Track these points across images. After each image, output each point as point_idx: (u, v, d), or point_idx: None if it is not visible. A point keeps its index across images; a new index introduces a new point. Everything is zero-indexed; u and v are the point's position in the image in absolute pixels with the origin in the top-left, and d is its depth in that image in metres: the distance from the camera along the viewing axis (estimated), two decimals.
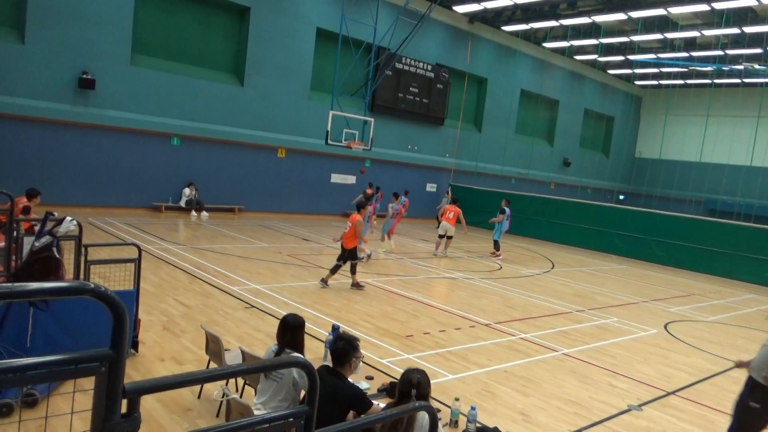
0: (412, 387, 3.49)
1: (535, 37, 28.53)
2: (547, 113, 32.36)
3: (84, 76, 15.90)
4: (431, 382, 3.72)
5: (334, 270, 10.28)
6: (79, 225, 6.38)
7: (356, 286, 10.38)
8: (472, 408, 4.23)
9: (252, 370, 3.75)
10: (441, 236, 15.83)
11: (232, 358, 5.13)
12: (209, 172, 18.98)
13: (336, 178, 22.36)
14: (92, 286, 1.41)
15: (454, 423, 4.30)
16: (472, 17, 25.56)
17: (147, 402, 4.85)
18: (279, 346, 4.21)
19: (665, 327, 10.40)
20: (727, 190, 33.17)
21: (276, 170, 20.60)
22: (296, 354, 4.08)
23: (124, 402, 1.52)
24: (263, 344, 6.59)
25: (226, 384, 4.99)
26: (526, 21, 25.49)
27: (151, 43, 17.81)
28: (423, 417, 3.36)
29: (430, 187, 26.04)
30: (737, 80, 31.17)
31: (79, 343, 4.92)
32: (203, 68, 18.89)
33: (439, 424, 3.34)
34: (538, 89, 30.35)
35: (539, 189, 29.56)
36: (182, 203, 18.17)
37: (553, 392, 6.36)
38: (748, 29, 22.59)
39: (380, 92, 22.44)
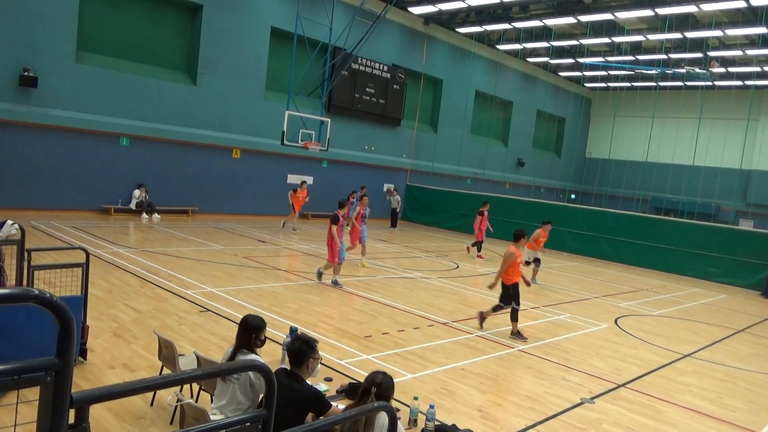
0: (373, 385, 3.51)
1: (489, 40, 29.02)
2: (501, 114, 32.97)
3: (25, 73, 15.21)
4: (393, 379, 3.74)
5: (496, 309, 8.83)
6: (22, 229, 6.12)
7: (517, 335, 8.56)
8: (431, 406, 4.27)
9: (207, 375, 3.66)
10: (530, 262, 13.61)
11: (187, 364, 5.01)
12: (161, 173, 18.48)
13: (293, 178, 22.14)
14: (36, 292, 1.35)
15: (413, 422, 4.33)
16: (427, 19, 25.79)
17: (96, 411, 4.68)
18: (235, 346, 4.14)
19: (615, 322, 10.75)
20: (672, 188, 34.60)
21: (231, 171, 20.25)
22: (252, 356, 4.01)
23: (72, 412, 1.46)
24: (219, 348, 6.46)
25: (181, 390, 4.87)
26: (480, 23, 25.90)
27: (98, 40, 17.20)
28: (383, 417, 3.37)
29: (388, 187, 26.12)
30: (680, 83, 32.55)
31: (23, 353, 4.70)
32: (154, 66, 18.38)
33: (399, 424, 3.36)
34: (493, 90, 30.89)
35: (494, 189, 30.09)
36: (132, 205, 17.63)
37: (509, 388, 6.48)
38: (690, 34, 23.61)
39: (337, 92, 22.37)
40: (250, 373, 3.87)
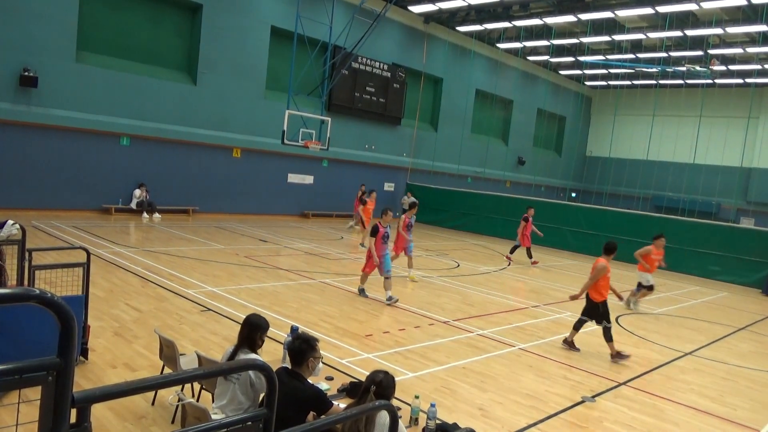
0: (373, 384, 3.52)
1: (489, 38, 29.00)
2: (501, 113, 32.95)
3: (25, 73, 15.22)
4: (395, 378, 3.76)
5: (577, 327, 8.31)
6: (22, 228, 6.12)
7: (618, 355, 7.90)
8: (432, 405, 4.27)
9: (208, 374, 3.67)
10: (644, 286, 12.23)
11: (188, 363, 5.02)
12: (161, 173, 18.48)
13: (293, 178, 22.16)
14: (37, 291, 1.35)
15: (414, 421, 4.33)
16: (427, 17, 25.77)
17: (98, 411, 4.69)
18: (236, 345, 4.15)
19: (616, 320, 10.74)
20: (673, 186, 34.58)
21: (231, 170, 20.25)
22: (253, 355, 4.02)
23: (74, 412, 1.46)
24: (220, 348, 6.46)
25: (182, 389, 4.88)
26: (480, 22, 25.88)
27: (98, 40, 17.20)
28: (384, 416, 3.38)
29: (388, 187, 26.13)
30: (680, 81, 32.51)
31: (24, 353, 4.70)
32: (154, 66, 18.38)
33: (400, 422, 3.36)
34: (493, 89, 30.87)
35: (495, 187, 30.07)
36: (133, 205, 17.64)
37: (510, 387, 6.48)
38: (690, 32, 23.58)
39: (337, 92, 22.37)
40: (251, 373, 3.87)
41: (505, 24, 25.75)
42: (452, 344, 7.91)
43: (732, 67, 28.04)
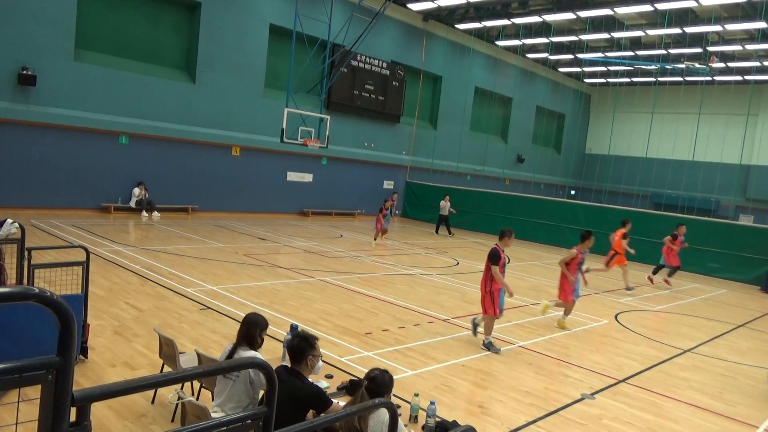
0: (366, 379, 3.57)
1: (488, 36, 28.98)
2: (500, 110, 32.93)
3: (24, 72, 15.19)
4: (393, 377, 3.77)
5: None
6: (21, 227, 6.11)
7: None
8: (432, 403, 4.27)
9: (208, 372, 3.67)
10: None
11: (188, 362, 5.02)
12: (160, 172, 18.47)
13: (292, 176, 22.15)
14: (36, 290, 1.35)
15: (414, 418, 4.33)
16: (426, 15, 25.74)
17: (98, 409, 4.69)
18: (235, 343, 4.15)
19: (616, 317, 10.76)
20: (672, 184, 34.59)
21: (230, 169, 20.24)
22: (252, 353, 4.02)
23: (73, 410, 1.46)
24: (220, 346, 6.47)
25: (182, 388, 4.88)
26: (479, 19, 25.86)
27: (96, 38, 17.18)
28: (383, 413, 3.38)
29: (388, 184, 26.12)
30: (679, 78, 32.50)
31: (24, 352, 4.70)
32: (152, 64, 18.35)
33: (400, 420, 3.37)
34: (492, 87, 30.86)
35: (494, 185, 30.09)
36: (132, 203, 17.64)
37: (510, 384, 6.49)
38: (689, 29, 23.57)
39: (336, 90, 22.35)
40: (250, 371, 3.87)
41: (504, 21, 25.73)
42: (452, 342, 7.91)
43: (731, 64, 28.03)
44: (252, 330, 4.11)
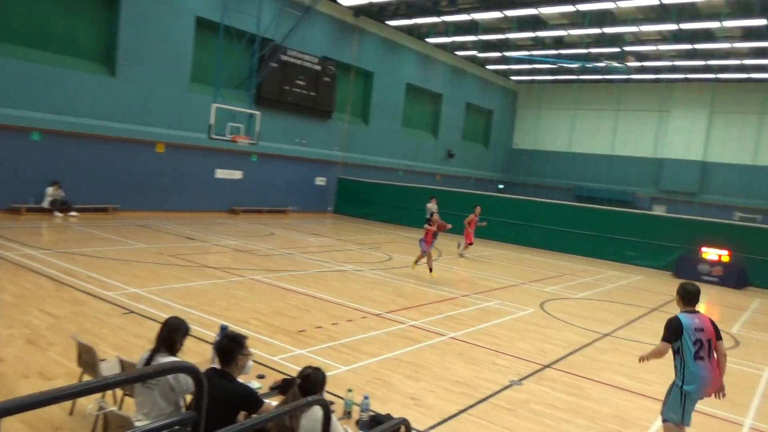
0: (299, 377, 3.56)
1: (418, 33, 29.30)
2: (431, 107, 33.44)
3: None
4: (326, 375, 3.76)
5: None
6: None
7: None
8: (365, 397, 4.29)
9: (130, 379, 3.49)
10: None
11: (109, 369, 4.78)
12: (78, 170, 17.45)
13: (221, 173, 21.55)
14: None
15: (347, 414, 4.34)
16: (357, 11, 25.69)
17: (10, 424, 4.38)
18: (153, 349, 3.97)
19: (541, 306, 11.20)
20: (593, 177, 36.40)
21: (155, 166, 19.40)
22: (172, 358, 3.88)
23: None
24: (144, 351, 6.19)
25: (103, 397, 4.64)
26: (410, 16, 26.09)
27: (6, 28, 15.96)
28: (317, 411, 3.36)
29: (320, 181, 25.94)
30: (599, 77, 34.16)
31: None
32: (68, 56, 17.28)
33: (333, 417, 3.36)
34: (423, 83, 31.27)
35: (426, 180, 30.54)
36: (45, 204, 16.57)
37: (441, 375, 6.61)
38: (608, 30, 24.78)
39: (266, 85, 21.91)
40: (170, 377, 3.73)
41: (435, 19, 26.10)
42: (385, 336, 7.97)
43: (646, 64, 29.74)
44: (173, 334, 3.96)
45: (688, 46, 25.63)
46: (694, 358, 4.68)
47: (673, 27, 23.03)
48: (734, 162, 32.13)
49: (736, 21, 21.59)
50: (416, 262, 12.78)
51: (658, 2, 20.70)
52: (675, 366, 4.79)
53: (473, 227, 17.14)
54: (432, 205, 20.39)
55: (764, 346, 10.01)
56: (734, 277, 16.80)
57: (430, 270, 12.43)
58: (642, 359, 5.08)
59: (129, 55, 18.16)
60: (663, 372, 7.67)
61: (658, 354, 4.93)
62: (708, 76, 31.15)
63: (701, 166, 32.95)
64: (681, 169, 33.38)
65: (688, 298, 5.01)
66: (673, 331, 4.82)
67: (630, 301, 12.75)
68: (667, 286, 15.82)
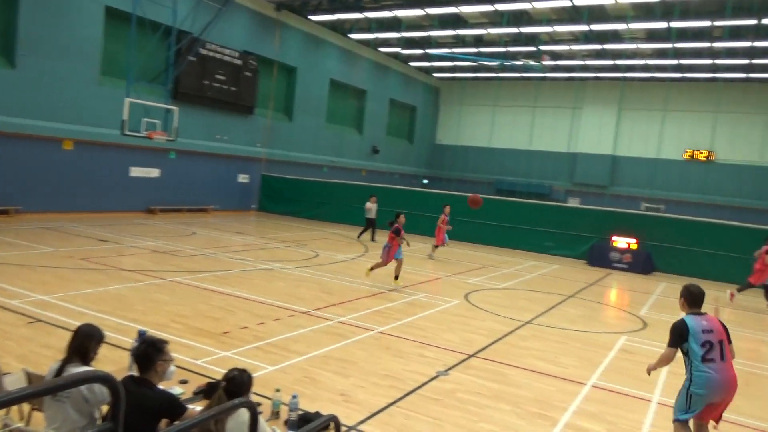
0: (224, 380, 3.48)
1: (341, 28, 29.18)
2: (355, 102, 33.44)
3: None
4: (252, 376, 3.68)
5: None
6: None
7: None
8: (294, 396, 4.23)
9: (37, 392, 3.26)
10: None
11: (14, 383, 4.43)
12: None
13: (136, 171, 20.51)
14: None
15: (275, 414, 4.26)
16: (279, 5, 25.20)
17: None
18: (64, 359, 3.72)
19: (466, 297, 11.51)
20: (512, 171, 37.81)
21: (62, 164, 18.15)
22: (86, 368, 3.65)
23: None
24: (55, 362, 5.81)
25: (8, 413, 4.30)
26: (333, 11, 25.92)
27: None
28: (243, 414, 3.28)
29: (243, 178, 25.31)
30: (517, 74, 35.46)
31: None
32: None
33: (260, 418, 3.29)
34: (347, 79, 31.21)
35: (351, 176, 30.53)
36: None
37: (370, 369, 6.65)
38: (524, 29, 25.74)
39: (184, 79, 21.05)
40: (83, 388, 3.51)
41: (357, 15, 26.08)
42: (313, 334, 7.91)
43: (560, 63, 31.18)
44: (86, 342, 3.73)
45: (598, 46, 27.10)
46: (703, 360, 4.63)
47: (584, 28, 24.26)
48: (641, 156, 34.37)
49: (640, 23, 23.06)
50: (372, 269, 12.07)
51: (570, 4, 21.72)
52: (685, 367, 4.81)
53: (444, 227, 16.76)
54: (372, 205, 19.58)
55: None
56: (642, 264, 17.99)
57: (396, 277, 11.83)
58: (650, 370, 5.14)
59: (30, 45, 16.88)
60: (579, 355, 8.10)
61: (665, 361, 4.97)
62: (616, 75, 33.11)
63: (611, 159, 34.99)
64: (593, 162, 35.30)
65: (693, 299, 4.95)
66: (678, 335, 4.79)
67: (548, 290, 13.36)
68: (582, 274, 16.71)
